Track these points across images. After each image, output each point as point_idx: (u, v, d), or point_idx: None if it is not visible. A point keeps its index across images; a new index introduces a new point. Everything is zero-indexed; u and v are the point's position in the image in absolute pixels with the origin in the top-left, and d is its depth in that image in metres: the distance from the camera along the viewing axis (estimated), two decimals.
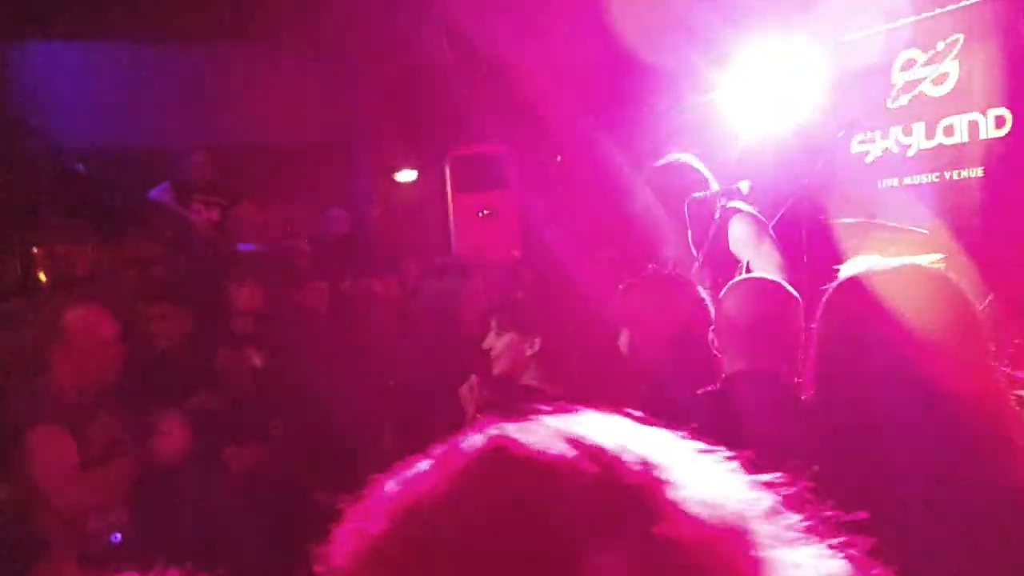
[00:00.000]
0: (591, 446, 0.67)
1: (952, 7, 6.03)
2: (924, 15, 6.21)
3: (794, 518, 0.70)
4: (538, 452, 0.66)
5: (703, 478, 0.68)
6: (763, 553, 0.65)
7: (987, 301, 3.88)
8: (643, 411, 0.77)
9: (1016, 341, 3.65)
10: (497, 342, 2.92)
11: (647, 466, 0.66)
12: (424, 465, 0.70)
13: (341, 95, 8.01)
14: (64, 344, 3.27)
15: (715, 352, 2.33)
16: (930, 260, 4.60)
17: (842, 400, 1.62)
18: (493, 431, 0.69)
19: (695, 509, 0.64)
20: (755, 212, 3.72)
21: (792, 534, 0.69)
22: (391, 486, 0.70)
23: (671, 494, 0.65)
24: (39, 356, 3.26)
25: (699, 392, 2.23)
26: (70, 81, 7.02)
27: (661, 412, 0.78)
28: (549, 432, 0.69)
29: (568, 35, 7.47)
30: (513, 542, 0.61)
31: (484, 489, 0.65)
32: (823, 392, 1.69)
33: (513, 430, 0.69)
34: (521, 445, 0.67)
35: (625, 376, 2.54)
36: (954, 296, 1.65)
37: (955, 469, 1.47)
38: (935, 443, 1.49)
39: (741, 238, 3.58)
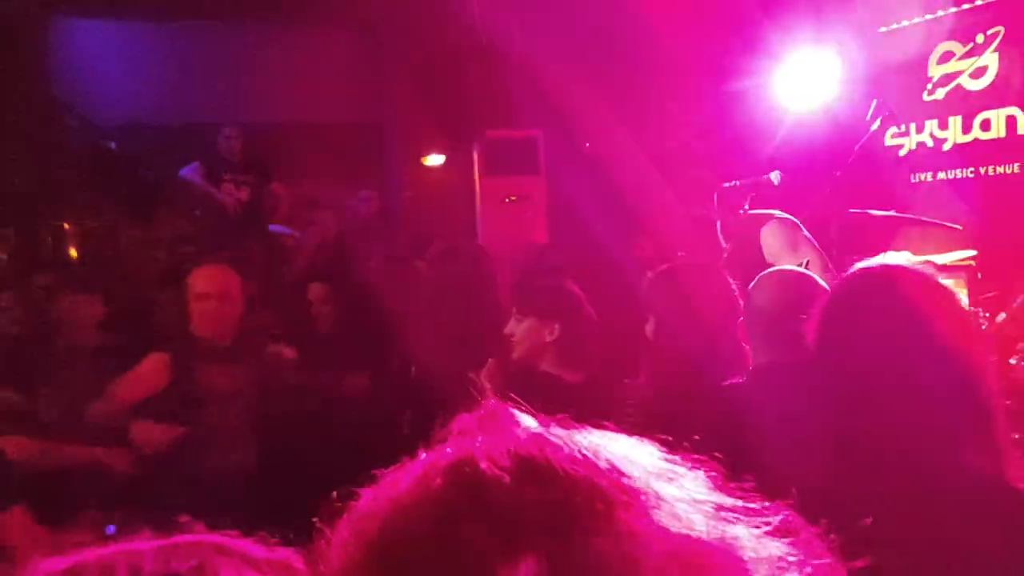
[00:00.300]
0: (546, 459, 0.68)
1: None
2: (964, 6, 6.11)
3: (777, 544, 0.69)
4: (488, 469, 0.67)
5: (677, 492, 0.68)
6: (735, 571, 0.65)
7: (1020, 301, 3.82)
8: (665, 401, 0.76)
9: None
10: (517, 327, 2.91)
11: (590, 481, 0.67)
12: (405, 471, 0.71)
13: (373, 76, 8.02)
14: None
15: (743, 344, 2.31)
16: (963, 257, 4.54)
17: (836, 395, 1.63)
18: (462, 445, 0.70)
19: (662, 521, 0.65)
20: (785, 217, 3.63)
21: (765, 561, 0.67)
22: (372, 491, 0.71)
23: (615, 510, 0.65)
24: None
25: (724, 384, 2.22)
26: (103, 59, 7.07)
27: (684, 402, 0.78)
28: (511, 445, 0.69)
29: (602, 20, 7.43)
30: (452, 557, 0.64)
31: (439, 505, 0.67)
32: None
33: (480, 443, 0.70)
34: (476, 460, 0.68)
35: (648, 365, 2.52)
36: (944, 299, 1.65)
37: (936, 459, 1.49)
38: (920, 437, 1.50)
39: (774, 249, 3.49)
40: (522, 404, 0.76)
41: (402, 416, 4.00)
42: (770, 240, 3.52)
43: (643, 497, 0.66)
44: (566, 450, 0.69)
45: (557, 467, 0.67)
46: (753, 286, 2.37)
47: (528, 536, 0.63)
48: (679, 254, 4.97)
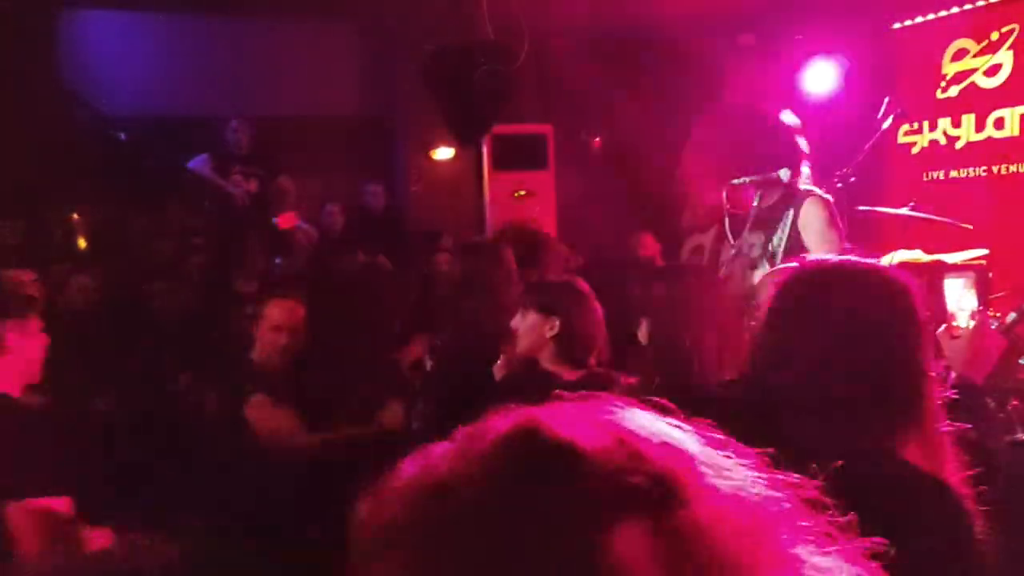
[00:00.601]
0: (617, 431, 0.67)
1: None
2: (979, 3, 6.07)
3: (813, 520, 0.70)
4: (567, 435, 0.66)
5: (726, 470, 0.68)
6: (784, 550, 0.66)
7: None
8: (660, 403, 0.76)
9: None
10: (522, 322, 2.91)
11: (671, 452, 0.67)
12: (445, 447, 0.70)
13: (381, 69, 8.01)
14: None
15: (738, 345, 2.29)
16: (974, 255, 4.50)
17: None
18: (521, 414, 0.69)
19: (719, 499, 0.65)
20: (830, 199, 3.58)
21: (811, 536, 0.69)
22: (411, 467, 0.69)
23: (696, 481, 0.65)
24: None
25: (719, 384, 2.20)
26: (113, 50, 7.08)
27: (678, 405, 0.77)
28: (576, 416, 0.69)
29: (614, 16, 7.41)
30: (532, 522, 0.62)
31: (510, 469, 0.65)
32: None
33: (541, 414, 0.69)
34: (550, 427, 0.67)
35: (641, 366, 2.50)
36: (882, 295, 1.63)
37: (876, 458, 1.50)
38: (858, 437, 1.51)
39: (812, 223, 3.45)
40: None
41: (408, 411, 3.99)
42: (812, 213, 3.48)
43: (718, 472, 0.67)
44: (638, 422, 0.69)
45: (640, 437, 0.67)
46: (759, 284, 2.35)
47: (629, 505, 0.62)
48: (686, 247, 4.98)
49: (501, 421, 0.69)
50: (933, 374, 1.61)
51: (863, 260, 1.68)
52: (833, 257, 1.75)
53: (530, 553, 0.61)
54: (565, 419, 0.68)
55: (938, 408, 1.59)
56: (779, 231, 3.51)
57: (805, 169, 3.61)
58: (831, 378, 1.54)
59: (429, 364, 3.85)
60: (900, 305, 1.61)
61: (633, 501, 0.62)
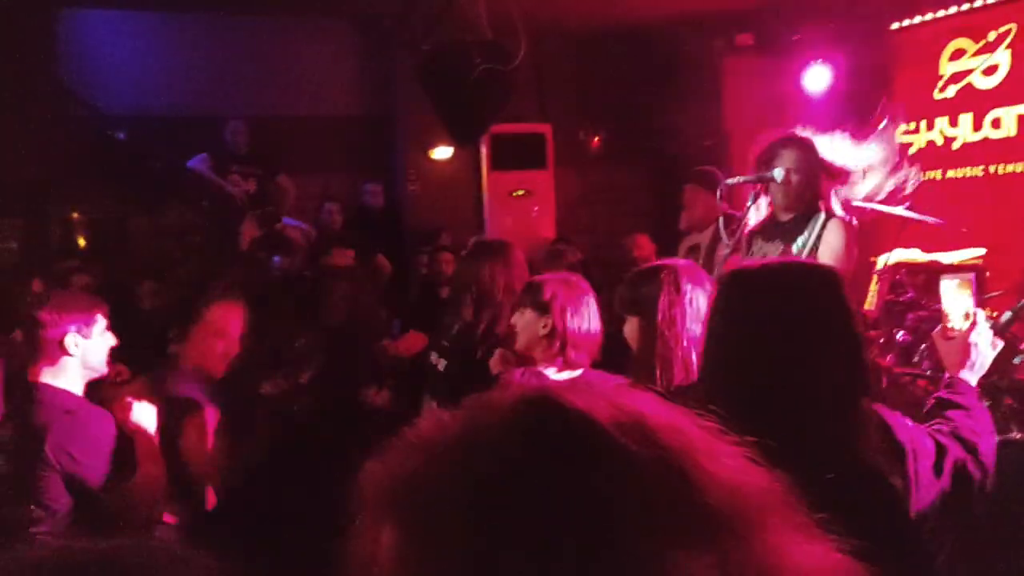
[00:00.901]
0: (629, 409, 0.69)
1: None
2: (976, 3, 6.07)
3: (800, 510, 0.72)
4: (583, 405, 0.68)
5: (727, 453, 0.71)
6: (782, 532, 0.68)
7: None
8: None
9: None
10: (519, 319, 2.92)
11: (679, 433, 0.69)
12: (455, 413, 0.72)
13: (380, 69, 8.02)
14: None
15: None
16: (971, 256, 4.51)
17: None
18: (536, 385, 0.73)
19: (725, 478, 0.67)
20: (855, 225, 3.58)
21: (800, 523, 0.71)
22: (421, 429, 0.71)
23: (704, 461, 0.67)
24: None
25: (669, 391, 2.20)
26: (112, 49, 7.08)
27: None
28: (589, 391, 0.71)
29: (610, 16, 7.41)
30: (549, 483, 0.64)
31: (528, 429, 0.67)
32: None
33: (555, 387, 0.72)
34: (566, 397, 0.69)
35: (629, 366, 2.50)
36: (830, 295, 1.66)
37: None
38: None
39: (832, 242, 3.46)
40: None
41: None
42: (834, 236, 3.50)
43: (707, 455, 0.69)
44: (640, 407, 0.71)
45: (647, 422, 0.68)
46: None
47: (637, 470, 0.64)
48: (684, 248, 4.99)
49: (508, 392, 0.72)
50: (871, 359, 1.65)
51: (788, 260, 1.72)
52: (760, 260, 1.78)
53: (540, 511, 0.62)
54: (578, 393, 0.70)
55: (874, 391, 1.63)
56: (801, 242, 3.48)
57: (840, 193, 3.64)
58: (769, 376, 1.56)
59: (442, 364, 3.81)
60: (825, 296, 1.64)
61: (643, 476, 0.64)
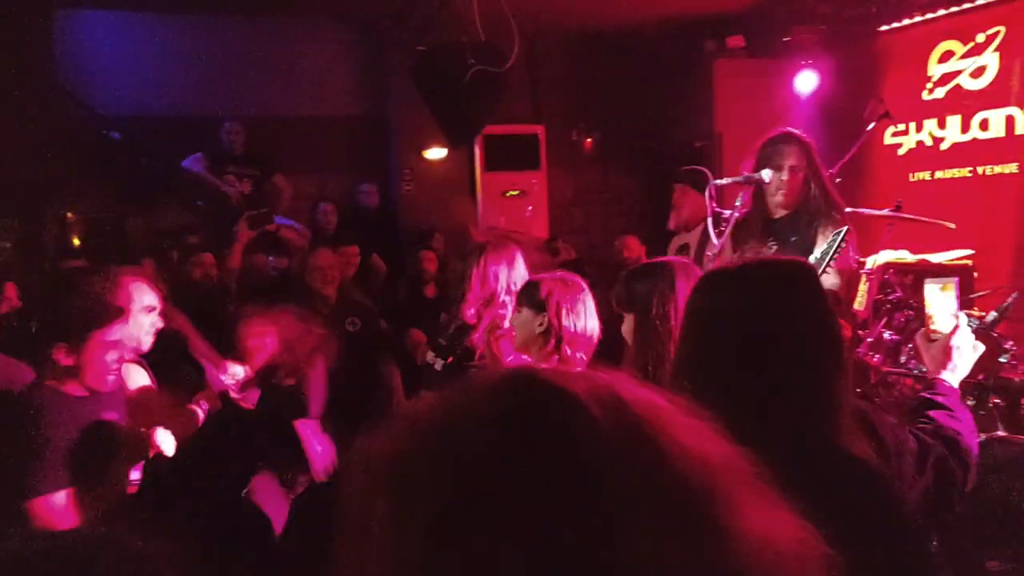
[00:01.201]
0: (602, 382, 0.73)
1: None
2: (965, 6, 6.13)
3: (764, 482, 0.75)
4: (561, 379, 0.72)
5: (695, 427, 0.74)
6: (747, 501, 0.70)
7: (1012, 299, 3.85)
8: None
9: None
10: (516, 318, 2.96)
11: (651, 405, 0.73)
12: (444, 393, 0.75)
13: (375, 70, 8.03)
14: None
15: None
16: (959, 256, 4.57)
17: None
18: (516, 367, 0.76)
19: (694, 448, 0.70)
20: (853, 234, 3.56)
21: (764, 493, 0.74)
22: (410, 408, 0.74)
23: (674, 431, 0.71)
24: None
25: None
26: (108, 49, 7.09)
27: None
28: (563, 372, 0.75)
29: (603, 16, 7.45)
30: (530, 452, 0.66)
31: (510, 407, 0.70)
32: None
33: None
34: (546, 372, 0.74)
35: (624, 363, 2.53)
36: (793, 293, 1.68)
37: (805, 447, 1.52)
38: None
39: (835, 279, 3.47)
40: None
41: None
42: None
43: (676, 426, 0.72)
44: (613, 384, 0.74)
45: (620, 388, 0.73)
46: None
47: (615, 445, 0.67)
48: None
49: (496, 373, 0.76)
50: (855, 357, 1.65)
51: (759, 259, 1.71)
52: (735, 260, 1.77)
53: (528, 485, 0.65)
54: (554, 372, 0.74)
55: (852, 389, 1.62)
56: (819, 253, 3.38)
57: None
58: (747, 377, 1.57)
59: (439, 364, 3.84)
60: (802, 294, 1.66)
61: (617, 442, 0.67)
